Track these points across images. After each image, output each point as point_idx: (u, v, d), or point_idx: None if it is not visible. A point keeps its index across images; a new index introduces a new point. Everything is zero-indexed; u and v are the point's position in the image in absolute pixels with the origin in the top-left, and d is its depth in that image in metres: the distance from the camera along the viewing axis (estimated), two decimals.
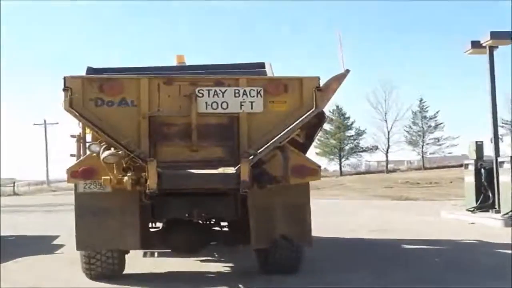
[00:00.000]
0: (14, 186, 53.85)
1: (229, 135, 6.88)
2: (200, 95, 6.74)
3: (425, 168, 65.07)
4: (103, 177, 6.71)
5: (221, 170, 6.66)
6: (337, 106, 72.38)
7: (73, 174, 7.01)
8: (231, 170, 6.60)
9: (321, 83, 6.88)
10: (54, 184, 56.68)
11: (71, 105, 6.47)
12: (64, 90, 6.48)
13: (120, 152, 6.49)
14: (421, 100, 71.08)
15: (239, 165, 6.50)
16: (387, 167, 67.95)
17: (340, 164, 72.94)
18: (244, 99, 6.81)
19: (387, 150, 69.20)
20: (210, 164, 6.74)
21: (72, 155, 9.01)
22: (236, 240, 7.93)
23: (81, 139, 8.38)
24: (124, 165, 6.57)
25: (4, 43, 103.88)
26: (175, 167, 6.65)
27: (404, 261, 9.04)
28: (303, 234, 7.40)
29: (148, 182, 6.36)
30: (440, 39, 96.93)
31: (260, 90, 6.83)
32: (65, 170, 7.08)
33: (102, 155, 6.55)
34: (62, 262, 8.99)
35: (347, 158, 74.67)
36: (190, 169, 6.66)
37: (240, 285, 7.22)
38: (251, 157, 6.58)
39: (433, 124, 71.56)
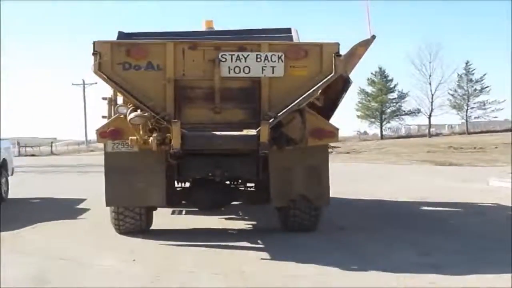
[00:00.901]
0: (51, 146, 55.82)
1: (251, 99, 7.05)
2: (223, 59, 6.91)
3: (469, 133, 63.99)
4: (130, 137, 7.10)
5: (242, 132, 6.94)
6: (380, 68, 71.63)
7: (102, 134, 7.44)
8: (251, 132, 6.85)
9: (342, 50, 7.05)
10: (93, 144, 57.11)
11: (100, 69, 6.75)
12: (93, 54, 6.73)
13: (146, 114, 6.82)
14: (467, 62, 69.80)
15: (259, 127, 6.76)
16: (429, 131, 66.95)
17: (381, 128, 72.26)
18: (265, 64, 6.96)
19: (430, 113, 68.23)
20: (232, 126, 6.99)
21: (103, 117, 9.36)
22: (258, 199, 8.28)
23: (112, 102, 8.77)
24: (150, 126, 6.91)
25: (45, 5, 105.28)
26: (198, 129, 6.95)
27: (442, 228, 8.68)
28: (320, 194, 7.68)
29: (172, 143, 6.68)
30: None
31: (281, 55, 6.97)
32: (94, 131, 7.51)
33: (129, 117, 6.91)
34: (82, 228, 8.71)
35: (388, 122, 73.87)
36: (213, 131, 6.94)
37: (259, 240, 7.55)
38: (271, 119, 6.82)
39: (478, 88, 70.19)
